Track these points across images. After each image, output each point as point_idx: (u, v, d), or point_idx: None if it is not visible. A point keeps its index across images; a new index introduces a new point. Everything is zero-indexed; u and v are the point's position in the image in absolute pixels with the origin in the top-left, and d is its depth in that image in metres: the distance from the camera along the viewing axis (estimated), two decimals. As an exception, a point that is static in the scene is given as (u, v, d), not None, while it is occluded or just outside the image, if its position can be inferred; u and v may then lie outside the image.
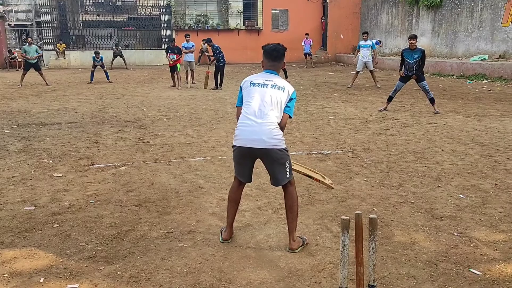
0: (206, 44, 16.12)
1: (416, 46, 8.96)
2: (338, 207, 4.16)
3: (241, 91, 3.41)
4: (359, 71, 14.06)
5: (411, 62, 8.93)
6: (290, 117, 3.34)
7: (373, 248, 2.21)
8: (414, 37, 9.04)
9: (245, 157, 3.32)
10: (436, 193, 4.50)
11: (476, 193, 4.48)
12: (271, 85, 3.28)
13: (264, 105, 3.22)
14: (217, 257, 3.22)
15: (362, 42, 13.92)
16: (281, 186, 3.39)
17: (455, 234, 3.56)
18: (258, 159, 3.38)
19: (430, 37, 19.09)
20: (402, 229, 3.67)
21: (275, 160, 3.23)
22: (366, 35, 14.07)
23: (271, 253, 3.29)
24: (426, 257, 3.19)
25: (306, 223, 3.81)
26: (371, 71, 13.90)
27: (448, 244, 3.40)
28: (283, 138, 3.28)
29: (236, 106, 3.47)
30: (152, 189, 4.69)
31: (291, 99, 3.29)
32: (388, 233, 3.59)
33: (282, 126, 3.28)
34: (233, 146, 3.36)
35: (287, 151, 3.31)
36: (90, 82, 15.87)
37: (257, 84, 3.31)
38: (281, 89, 3.27)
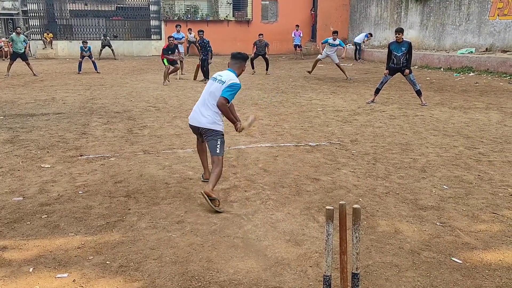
0: (192, 34, 15.94)
1: (403, 39, 9.06)
2: (325, 197, 4.23)
3: None
4: (320, 59, 14.16)
5: (398, 54, 9.05)
6: (226, 98, 4.04)
7: (356, 237, 2.27)
8: (399, 31, 9.13)
9: (193, 129, 4.40)
10: (421, 184, 4.59)
11: (460, 184, 4.58)
12: (218, 80, 4.15)
13: (207, 95, 4.18)
14: (205, 247, 3.27)
15: (330, 41, 13.94)
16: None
17: (438, 224, 3.66)
18: None
19: (419, 29, 19.20)
20: (387, 219, 3.75)
21: (208, 136, 4.17)
22: (335, 34, 14.06)
23: (259, 243, 3.35)
24: (409, 246, 3.28)
25: (293, 213, 3.87)
26: (337, 64, 13.99)
27: (431, 233, 3.49)
28: (220, 123, 4.15)
29: None
30: (141, 180, 4.71)
31: (228, 86, 4.06)
32: (373, 223, 3.67)
33: (219, 106, 4.06)
34: None
35: (222, 134, 4.18)
36: (78, 73, 15.71)
37: (212, 79, 4.25)
38: (221, 83, 4.11)
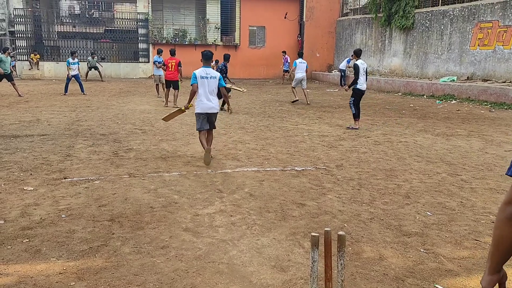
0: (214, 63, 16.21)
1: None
2: (310, 223, 4.24)
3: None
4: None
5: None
6: (224, 87, 6.67)
7: (341, 264, 2.28)
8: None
9: (204, 116, 6.50)
10: (405, 210, 4.64)
11: (443, 210, 4.64)
12: (210, 77, 6.30)
13: (212, 89, 6.44)
14: (189, 273, 3.24)
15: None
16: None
17: (422, 250, 3.69)
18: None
19: (402, 57, 19.67)
20: (372, 245, 3.77)
21: (214, 116, 6.64)
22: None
23: (244, 268, 3.33)
24: (394, 273, 3.29)
25: (279, 239, 3.87)
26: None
27: (415, 260, 3.51)
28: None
29: None
30: (125, 204, 4.67)
31: (220, 78, 6.42)
32: (358, 249, 3.68)
33: (223, 93, 6.83)
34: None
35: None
36: (64, 94, 15.65)
37: (204, 78, 6.31)
38: (214, 78, 6.35)
